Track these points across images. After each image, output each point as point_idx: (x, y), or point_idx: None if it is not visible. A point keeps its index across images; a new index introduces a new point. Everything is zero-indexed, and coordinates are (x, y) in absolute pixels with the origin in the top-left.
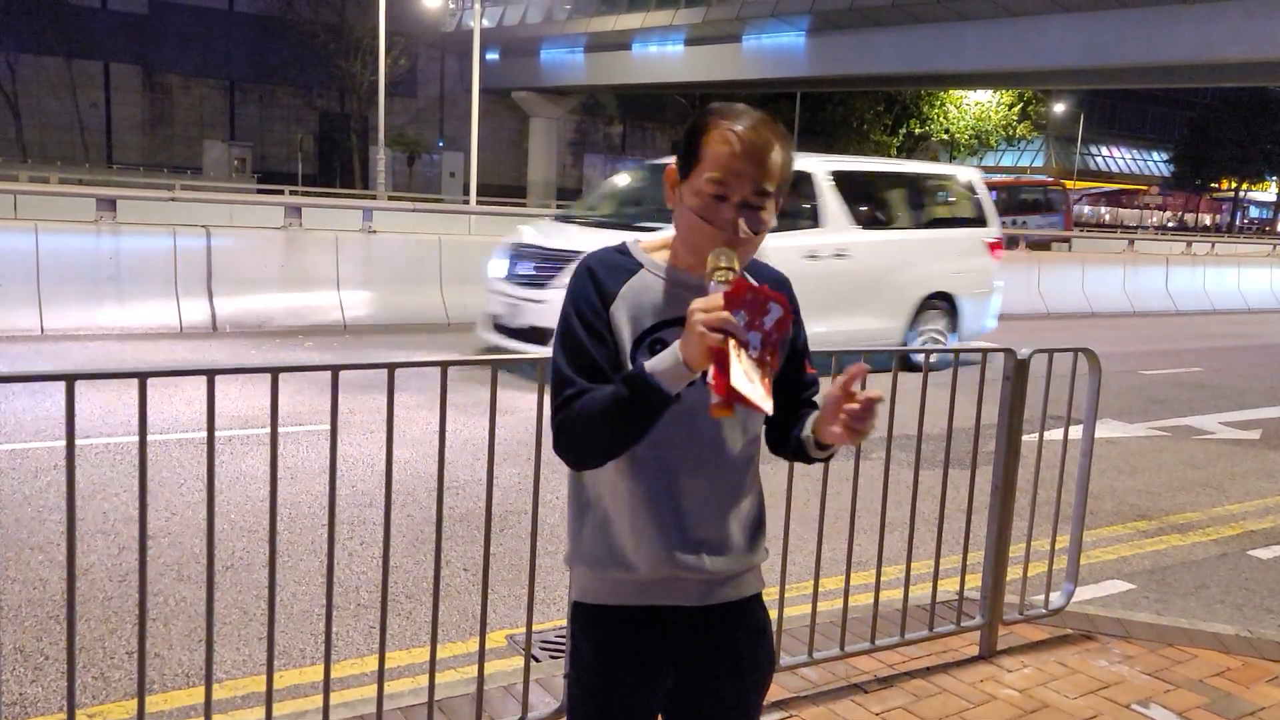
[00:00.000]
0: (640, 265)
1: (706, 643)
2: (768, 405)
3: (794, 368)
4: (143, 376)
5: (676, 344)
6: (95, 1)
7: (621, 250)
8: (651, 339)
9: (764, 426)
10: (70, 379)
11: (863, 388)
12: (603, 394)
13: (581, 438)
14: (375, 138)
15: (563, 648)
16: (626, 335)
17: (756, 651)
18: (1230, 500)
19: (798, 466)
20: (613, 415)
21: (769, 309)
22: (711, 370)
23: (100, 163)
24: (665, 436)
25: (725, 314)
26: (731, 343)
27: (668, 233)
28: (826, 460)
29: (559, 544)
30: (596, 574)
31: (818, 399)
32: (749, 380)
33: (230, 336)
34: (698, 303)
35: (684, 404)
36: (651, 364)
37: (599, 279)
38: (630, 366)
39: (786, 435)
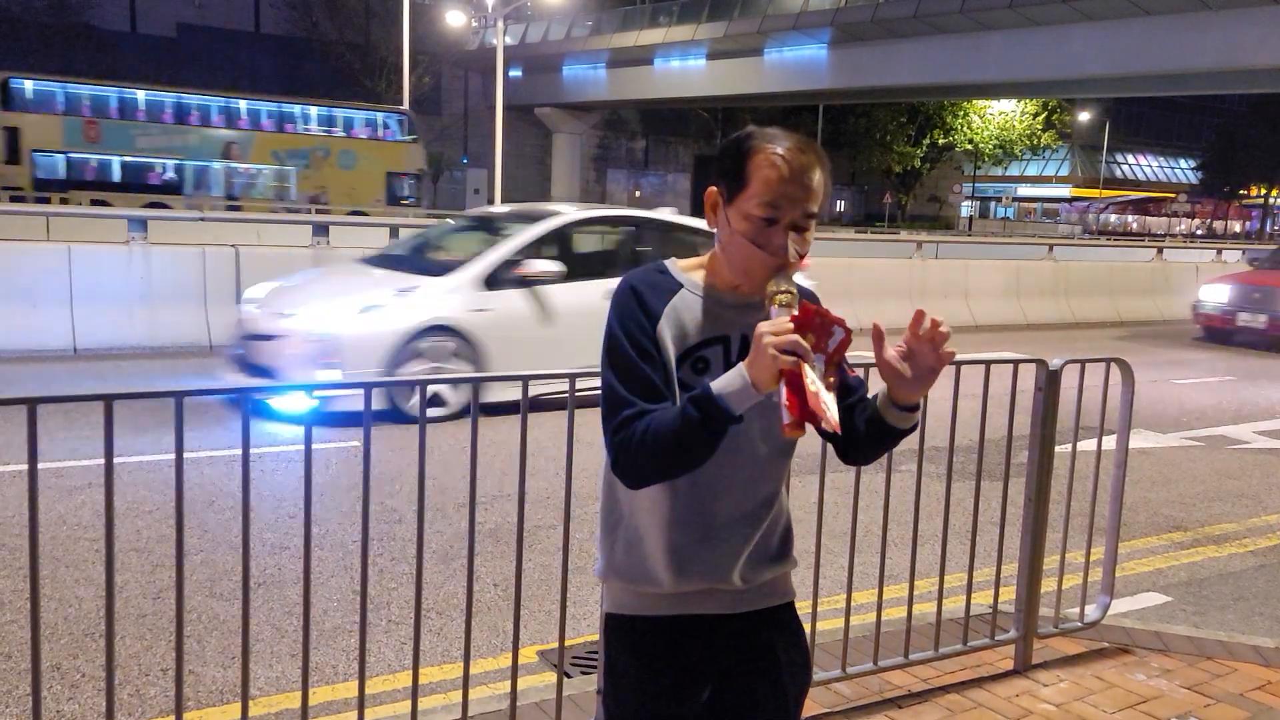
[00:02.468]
0: (680, 285)
1: (745, 650)
2: (836, 424)
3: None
4: (179, 396)
5: (742, 365)
6: (124, 26)
7: (660, 270)
8: (694, 357)
9: (830, 443)
10: (109, 399)
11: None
12: (667, 415)
13: (646, 460)
14: None
15: (594, 663)
16: (671, 353)
17: (794, 657)
18: (1267, 510)
19: (828, 480)
20: (681, 436)
21: (833, 332)
22: (784, 392)
23: None
24: None
25: (796, 337)
26: (803, 365)
27: (704, 252)
28: (911, 430)
29: (589, 559)
30: (630, 587)
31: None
32: (819, 401)
33: None
34: (765, 326)
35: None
36: (719, 385)
37: (644, 299)
38: (676, 384)
39: (852, 436)
